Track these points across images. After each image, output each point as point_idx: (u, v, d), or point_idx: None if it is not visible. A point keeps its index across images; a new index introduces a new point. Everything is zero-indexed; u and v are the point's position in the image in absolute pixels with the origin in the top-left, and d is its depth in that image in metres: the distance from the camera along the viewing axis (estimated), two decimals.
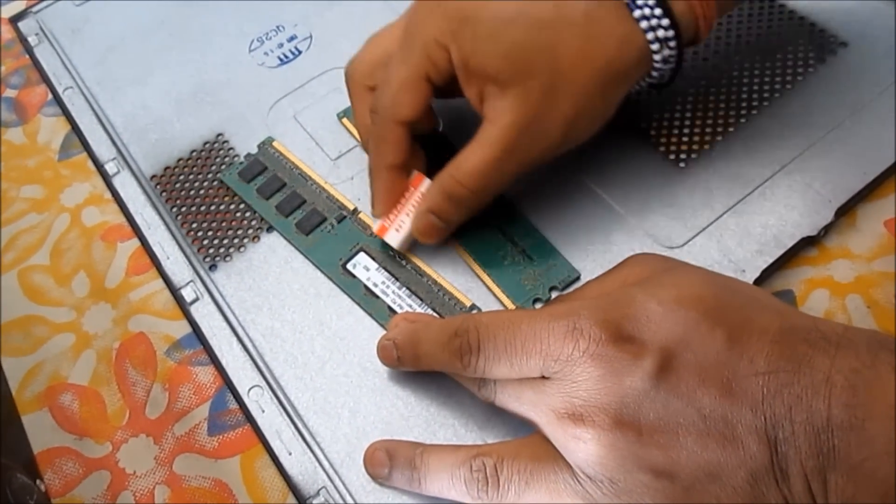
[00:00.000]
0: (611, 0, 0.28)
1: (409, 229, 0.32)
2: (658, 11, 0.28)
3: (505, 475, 0.25)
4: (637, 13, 0.28)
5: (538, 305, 0.31)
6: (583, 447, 0.23)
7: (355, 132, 0.37)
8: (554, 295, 0.32)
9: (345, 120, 0.38)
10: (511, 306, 0.31)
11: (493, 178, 0.29)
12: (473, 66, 0.28)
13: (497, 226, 0.33)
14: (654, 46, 0.28)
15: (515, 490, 0.25)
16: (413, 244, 0.33)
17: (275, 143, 0.37)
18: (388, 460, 0.28)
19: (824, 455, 0.21)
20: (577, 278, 0.32)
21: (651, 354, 0.22)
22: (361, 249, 0.33)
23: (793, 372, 0.22)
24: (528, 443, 0.25)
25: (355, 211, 0.34)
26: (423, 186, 0.31)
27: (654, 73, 0.30)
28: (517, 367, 0.25)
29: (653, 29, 0.28)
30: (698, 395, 0.22)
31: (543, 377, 0.24)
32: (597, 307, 0.24)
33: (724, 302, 0.24)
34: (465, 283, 0.32)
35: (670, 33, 0.28)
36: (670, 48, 0.29)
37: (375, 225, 0.32)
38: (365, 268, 0.32)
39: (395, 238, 0.32)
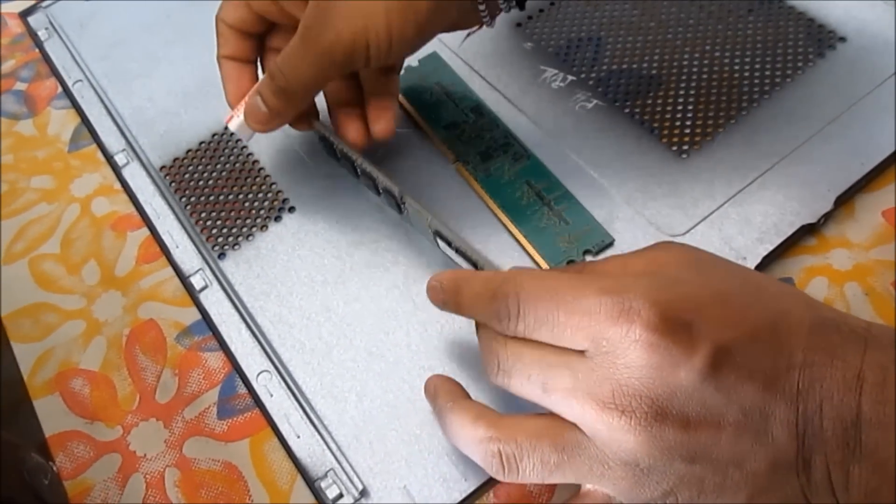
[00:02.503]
0: None
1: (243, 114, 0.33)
2: None
3: (525, 464, 0.24)
4: None
5: None
6: (624, 437, 0.22)
7: None
8: (588, 258, 0.32)
9: None
10: (546, 266, 0.32)
11: (295, 65, 0.30)
12: None
13: (535, 191, 0.34)
14: None
15: (538, 477, 0.24)
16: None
17: None
18: (432, 398, 0.28)
19: (850, 449, 0.21)
20: (611, 243, 0.33)
21: (704, 347, 0.22)
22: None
23: (826, 366, 0.22)
24: (549, 426, 0.24)
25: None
26: None
27: None
28: (558, 336, 0.24)
29: None
30: (743, 387, 0.22)
31: (581, 352, 0.23)
32: (650, 286, 0.23)
33: (763, 293, 0.24)
34: (503, 244, 0.33)
35: None
36: None
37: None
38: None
39: (234, 123, 0.33)
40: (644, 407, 0.22)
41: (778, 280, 0.26)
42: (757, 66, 0.37)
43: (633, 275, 0.25)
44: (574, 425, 0.23)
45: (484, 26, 0.31)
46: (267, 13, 0.32)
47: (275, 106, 0.31)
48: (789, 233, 0.32)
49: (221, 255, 0.35)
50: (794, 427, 0.21)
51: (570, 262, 0.32)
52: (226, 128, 0.39)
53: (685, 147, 0.35)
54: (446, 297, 0.27)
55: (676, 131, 0.36)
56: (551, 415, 0.24)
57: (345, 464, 0.29)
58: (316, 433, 0.30)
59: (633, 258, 0.26)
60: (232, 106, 0.34)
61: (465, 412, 0.26)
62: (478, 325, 0.27)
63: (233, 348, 0.32)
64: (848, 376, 0.21)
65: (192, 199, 0.37)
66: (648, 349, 0.22)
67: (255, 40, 0.34)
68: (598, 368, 0.23)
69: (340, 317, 0.33)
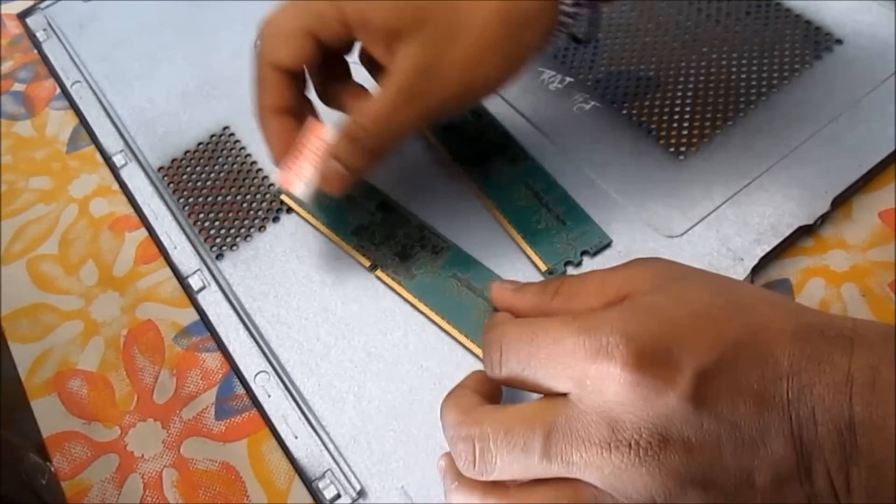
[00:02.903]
0: None
1: (311, 177, 0.30)
2: None
3: None
4: None
5: (570, 269, 0.32)
6: (634, 473, 0.22)
7: None
8: (586, 260, 0.32)
9: None
10: (544, 268, 0.32)
11: (393, 122, 0.29)
12: (370, 22, 0.28)
13: (533, 192, 0.34)
14: None
15: None
16: (320, 196, 0.33)
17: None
18: (442, 478, 0.27)
19: (847, 452, 0.21)
20: (609, 244, 0.33)
21: (687, 373, 0.22)
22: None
23: (814, 371, 0.22)
24: (561, 491, 0.23)
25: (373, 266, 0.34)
26: (321, 133, 0.30)
27: (567, 22, 0.29)
28: (542, 381, 0.24)
29: None
30: (734, 405, 0.22)
31: (565, 395, 0.23)
32: (624, 319, 0.23)
33: (739, 306, 0.23)
34: (500, 245, 0.34)
35: None
36: None
37: (279, 176, 0.31)
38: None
39: (300, 188, 0.30)
40: (645, 436, 0.22)
41: (759, 287, 0.25)
42: (754, 68, 0.37)
43: (608, 302, 0.25)
44: (582, 482, 0.23)
45: None
46: (339, 36, 0.30)
47: (361, 167, 0.30)
48: (787, 234, 0.32)
49: (219, 256, 0.35)
50: (789, 436, 0.21)
51: (568, 263, 0.32)
52: (229, 136, 0.39)
53: (683, 149, 0.35)
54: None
55: (674, 133, 0.36)
56: (556, 479, 0.23)
57: (342, 464, 0.29)
58: (314, 433, 0.30)
59: (610, 276, 0.26)
60: (278, 163, 0.31)
61: (471, 493, 0.25)
62: (448, 429, 0.26)
63: (231, 349, 0.32)
64: (837, 379, 0.21)
65: (191, 199, 0.37)
66: (630, 386, 0.22)
67: (301, 84, 0.31)
68: (588, 410, 0.22)
69: (338, 317, 0.33)
